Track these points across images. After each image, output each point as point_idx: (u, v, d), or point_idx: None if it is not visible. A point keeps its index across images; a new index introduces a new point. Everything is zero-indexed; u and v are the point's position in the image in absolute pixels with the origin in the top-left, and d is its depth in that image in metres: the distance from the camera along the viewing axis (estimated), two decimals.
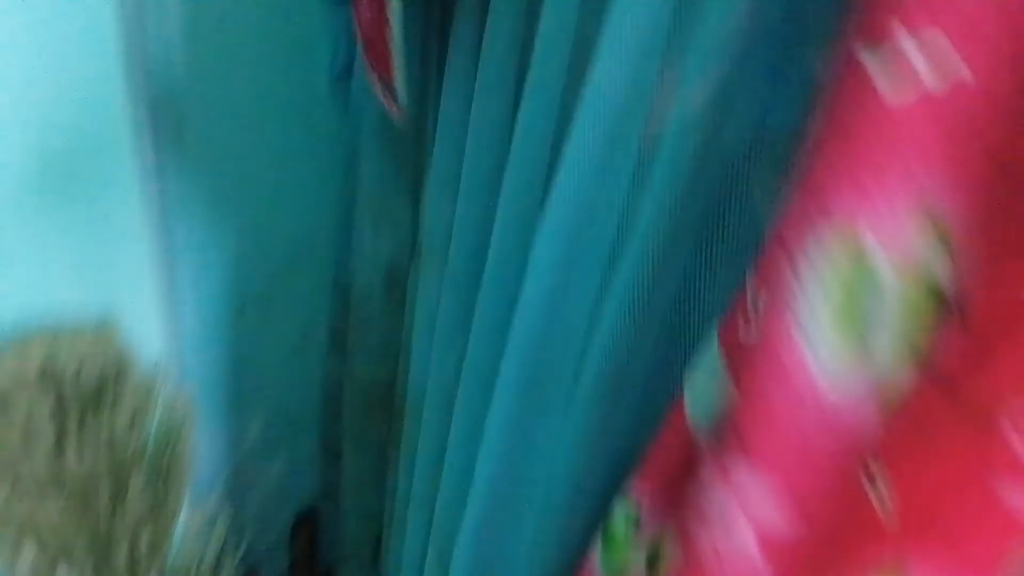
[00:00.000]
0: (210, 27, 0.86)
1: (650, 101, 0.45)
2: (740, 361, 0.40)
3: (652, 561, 0.48)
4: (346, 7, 0.90)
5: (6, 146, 0.75)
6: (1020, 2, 0.27)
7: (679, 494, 0.45)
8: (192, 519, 0.87)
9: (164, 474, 0.77)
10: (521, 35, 0.64)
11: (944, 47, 0.28)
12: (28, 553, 0.71)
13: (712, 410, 0.43)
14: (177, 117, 0.87)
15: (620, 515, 0.51)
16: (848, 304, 0.31)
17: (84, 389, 0.72)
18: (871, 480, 0.33)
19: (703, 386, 0.44)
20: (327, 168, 1.05)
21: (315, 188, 1.06)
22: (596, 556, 0.53)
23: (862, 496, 0.33)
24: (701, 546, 0.40)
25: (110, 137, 0.79)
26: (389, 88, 0.79)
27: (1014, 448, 0.28)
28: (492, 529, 0.61)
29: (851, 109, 0.29)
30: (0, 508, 0.70)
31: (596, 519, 0.54)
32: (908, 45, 0.28)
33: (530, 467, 0.58)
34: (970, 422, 0.29)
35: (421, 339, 0.83)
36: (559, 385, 0.55)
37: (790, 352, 0.33)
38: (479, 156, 0.68)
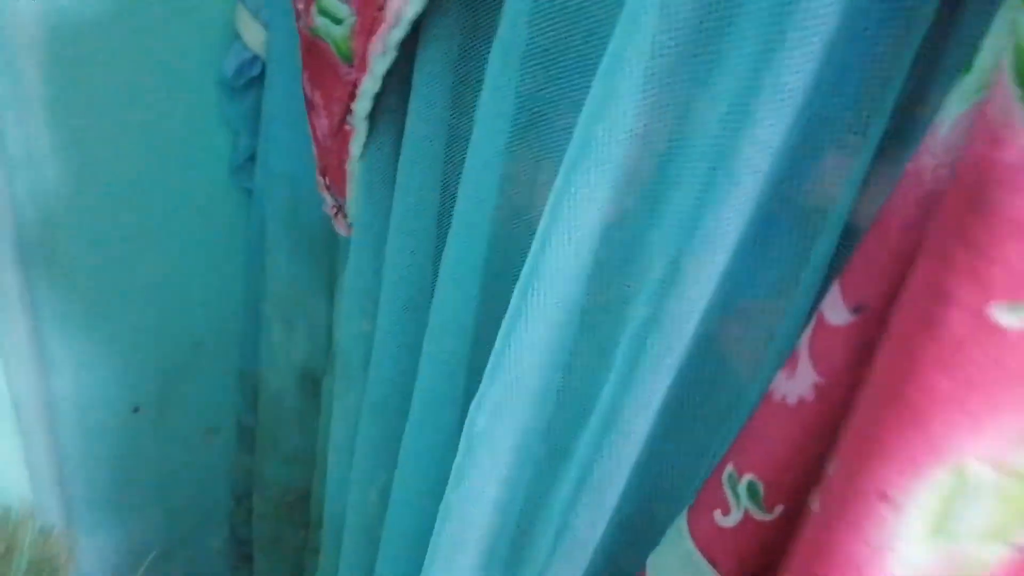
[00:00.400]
0: (82, 115, 0.77)
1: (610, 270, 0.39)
2: (723, 551, 0.38)
3: None
4: (247, 96, 0.82)
5: None
6: None
7: None
8: None
9: None
10: (445, 144, 0.58)
11: None
12: None
13: None
14: (47, 215, 0.78)
15: None
16: (943, 511, 0.30)
17: None
18: None
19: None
20: (227, 262, 0.97)
21: (215, 283, 0.98)
22: None
23: None
24: None
25: None
26: (340, 204, 0.72)
27: None
28: None
29: (974, 360, 0.27)
30: None
31: None
32: None
33: None
34: None
35: (338, 464, 0.76)
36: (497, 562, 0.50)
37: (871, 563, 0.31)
38: (400, 275, 0.61)
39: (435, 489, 0.61)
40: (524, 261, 0.47)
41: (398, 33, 0.50)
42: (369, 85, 0.55)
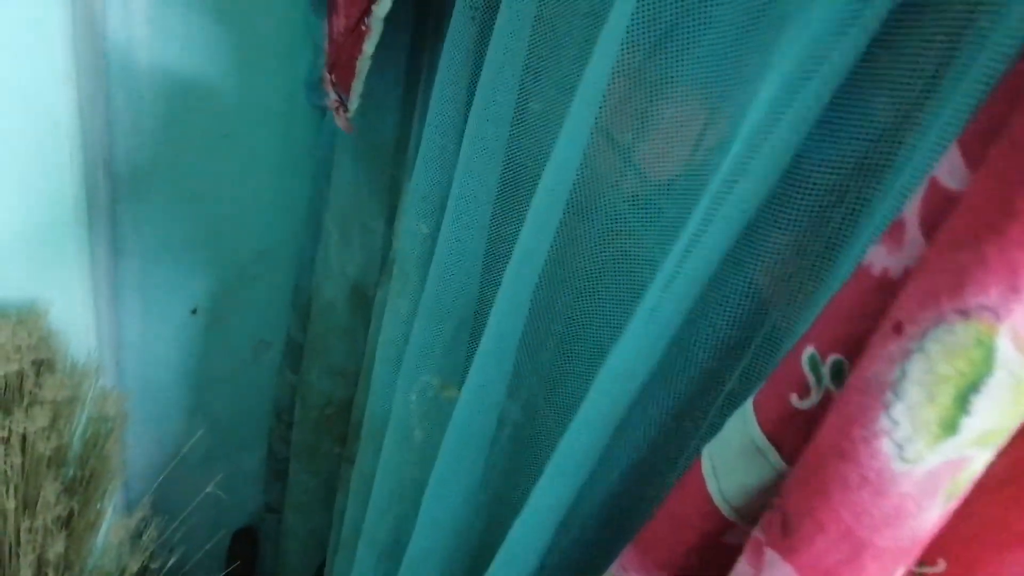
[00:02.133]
0: (178, 14, 0.81)
1: None
2: (792, 433, 0.37)
3: None
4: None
5: None
6: None
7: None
8: (117, 530, 0.80)
9: (85, 481, 0.71)
10: (524, 60, 0.60)
11: None
12: None
13: (749, 489, 0.39)
14: (136, 102, 0.81)
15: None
16: (954, 393, 0.28)
17: None
18: None
19: (735, 462, 0.40)
20: (296, 176, 1.00)
21: (283, 195, 1.01)
22: None
23: None
24: None
25: (51, 125, 0.72)
26: (343, 99, 0.76)
27: None
28: None
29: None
30: None
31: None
32: None
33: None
34: None
35: (386, 364, 0.78)
36: None
37: (868, 435, 0.30)
38: (467, 186, 0.63)
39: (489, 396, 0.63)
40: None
41: None
42: None
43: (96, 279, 0.81)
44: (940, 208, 0.30)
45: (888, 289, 0.33)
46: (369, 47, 0.71)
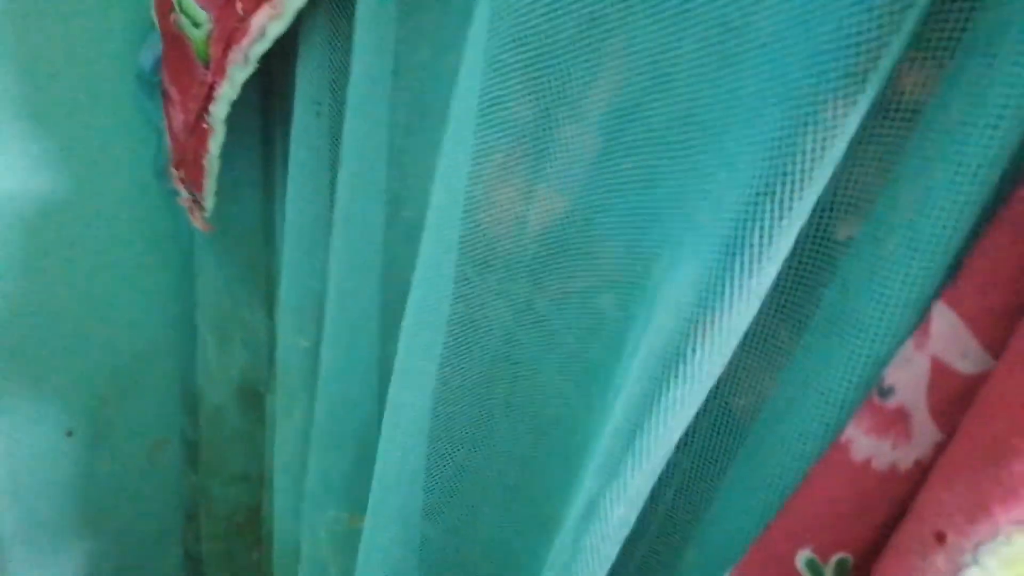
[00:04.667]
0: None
1: None
2: None
3: None
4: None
5: None
6: None
7: None
8: None
9: None
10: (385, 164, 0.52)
11: None
12: None
13: None
14: None
15: None
16: None
17: None
18: None
19: None
20: (163, 267, 0.90)
21: (151, 291, 0.91)
22: None
23: None
24: None
25: None
26: (197, 197, 0.69)
27: None
28: None
29: None
30: None
31: None
32: None
33: None
34: None
35: (284, 493, 0.70)
36: None
37: None
38: (345, 306, 0.55)
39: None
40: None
41: (261, 47, 0.51)
42: (228, 91, 0.56)
43: None
44: (955, 395, 0.29)
45: (898, 483, 0.30)
46: (215, 148, 0.63)
